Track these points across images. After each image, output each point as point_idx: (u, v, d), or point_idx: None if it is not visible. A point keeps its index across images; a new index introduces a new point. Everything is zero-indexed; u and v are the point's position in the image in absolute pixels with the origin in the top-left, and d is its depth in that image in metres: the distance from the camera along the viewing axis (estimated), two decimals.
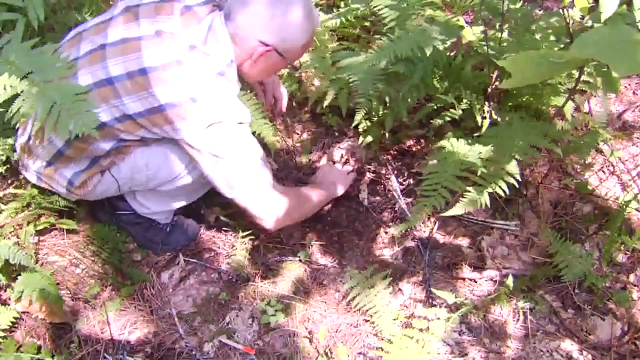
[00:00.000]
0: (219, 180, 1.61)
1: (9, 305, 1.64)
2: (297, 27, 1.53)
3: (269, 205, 1.69)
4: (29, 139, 1.66)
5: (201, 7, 1.55)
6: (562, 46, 1.81)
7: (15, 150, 1.75)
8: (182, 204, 1.90)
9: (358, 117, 2.01)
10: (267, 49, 1.54)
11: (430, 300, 1.77)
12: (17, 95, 1.39)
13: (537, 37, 1.84)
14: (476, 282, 1.82)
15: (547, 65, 0.77)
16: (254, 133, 1.90)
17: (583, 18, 1.71)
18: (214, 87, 1.50)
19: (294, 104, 2.35)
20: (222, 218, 2.04)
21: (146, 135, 1.57)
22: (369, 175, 2.16)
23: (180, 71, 1.47)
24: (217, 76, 1.51)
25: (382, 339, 1.66)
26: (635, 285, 1.75)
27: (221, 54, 1.52)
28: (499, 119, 1.83)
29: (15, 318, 1.59)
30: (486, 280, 1.82)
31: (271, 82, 2.02)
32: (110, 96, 1.49)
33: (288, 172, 2.21)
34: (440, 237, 1.96)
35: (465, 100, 1.89)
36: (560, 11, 1.65)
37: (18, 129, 1.73)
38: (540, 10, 2.53)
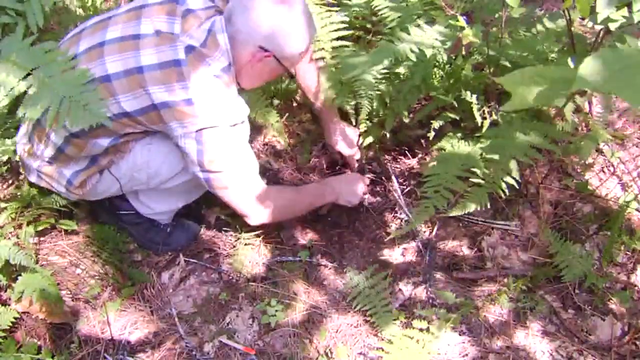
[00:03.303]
0: (202, 182, 1.63)
1: (9, 305, 1.64)
2: (298, 34, 1.53)
3: (250, 207, 1.72)
4: (30, 139, 1.67)
5: (203, 10, 1.55)
6: (562, 46, 1.81)
7: (16, 152, 1.75)
8: (185, 201, 1.91)
9: (359, 117, 2.01)
10: (266, 55, 1.53)
11: (430, 300, 1.77)
12: (22, 95, 1.39)
13: (538, 37, 1.84)
14: (476, 282, 1.82)
15: (548, 85, 0.77)
16: (253, 118, 1.98)
17: (584, 19, 1.70)
18: (209, 89, 1.50)
19: (294, 104, 2.35)
20: (222, 218, 2.04)
21: (147, 129, 1.59)
22: (369, 175, 2.16)
23: (176, 72, 1.47)
24: (214, 78, 1.51)
25: (382, 339, 1.66)
26: (635, 285, 1.75)
27: (219, 57, 1.51)
28: (499, 119, 1.83)
29: (15, 318, 1.59)
30: (486, 280, 1.82)
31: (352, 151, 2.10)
32: (107, 93, 1.50)
33: (288, 172, 2.21)
34: (441, 237, 1.96)
35: (465, 100, 1.89)
36: (561, 12, 1.66)
37: (19, 128, 1.74)
38: (540, 10, 2.53)
